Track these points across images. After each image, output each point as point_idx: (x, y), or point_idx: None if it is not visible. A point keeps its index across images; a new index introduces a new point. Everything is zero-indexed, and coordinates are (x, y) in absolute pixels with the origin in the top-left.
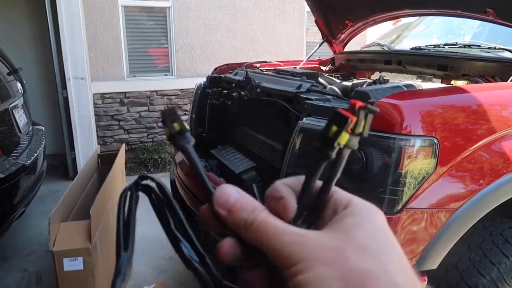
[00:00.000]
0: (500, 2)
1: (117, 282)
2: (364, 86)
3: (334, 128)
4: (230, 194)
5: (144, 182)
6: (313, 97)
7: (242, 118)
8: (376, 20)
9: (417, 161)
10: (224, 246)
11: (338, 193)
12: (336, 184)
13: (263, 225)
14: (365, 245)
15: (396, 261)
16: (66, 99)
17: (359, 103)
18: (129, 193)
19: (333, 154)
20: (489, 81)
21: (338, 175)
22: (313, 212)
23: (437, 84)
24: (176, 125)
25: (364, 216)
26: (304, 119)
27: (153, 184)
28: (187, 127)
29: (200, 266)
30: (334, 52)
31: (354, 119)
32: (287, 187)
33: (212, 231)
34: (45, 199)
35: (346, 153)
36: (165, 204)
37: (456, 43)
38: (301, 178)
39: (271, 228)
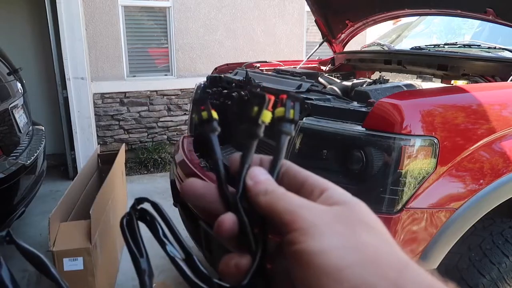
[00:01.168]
0: (500, 2)
1: (145, 279)
2: (364, 86)
3: (256, 108)
4: (262, 172)
5: (140, 206)
6: (313, 97)
7: (242, 118)
8: (376, 20)
9: (417, 161)
10: (225, 220)
11: (313, 178)
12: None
13: (280, 191)
14: (370, 223)
15: (393, 240)
16: (66, 99)
17: (284, 96)
18: (127, 218)
19: (261, 132)
20: (489, 81)
21: (282, 158)
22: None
23: (437, 84)
24: (204, 114)
25: (353, 198)
26: (304, 119)
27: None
28: (215, 116)
29: (184, 264)
30: (334, 52)
31: (272, 97)
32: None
33: (204, 214)
34: (45, 199)
35: (284, 138)
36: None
37: (456, 43)
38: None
39: (285, 194)
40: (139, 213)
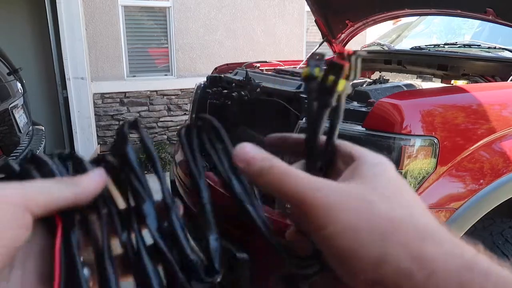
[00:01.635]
0: (500, 2)
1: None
2: (364, 85)
3: (332, 78)
4: (248, 150)
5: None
6: None
7: (242, 118)
8: (376, 20)
9: (417, 160)
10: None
11: (345, 145)
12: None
13: (280, 170)
14: (387, 193)
15: (417, 206)
16: (66, 99)
17: (348, 51)
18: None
19: (334, 102)
20: (489, 81)
21: (341, 119)
22: (326, 161)
23: (437, 84)
24: (317, 70)
25: (379, 166)
26: (304, 118)
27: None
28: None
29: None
30: (334, 52)
31: (348, 65)
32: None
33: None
34: None
35: (343, 97)
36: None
37: (456, 42)
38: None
39: (288, 172)
40: (202, 122)
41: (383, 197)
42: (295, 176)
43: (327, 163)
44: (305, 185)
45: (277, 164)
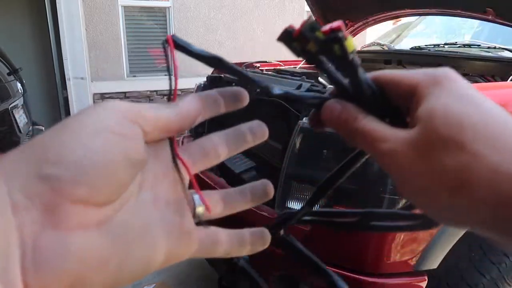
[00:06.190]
0: (500, 2)
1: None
2: None
3: (337, 46)
4: (334, 108)
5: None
6: None
7: (242, 118)
8: (376, 20)
9: None
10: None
11: (396, 80)
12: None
13: (367, 131)
14: (451, 141)
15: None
16: (66, 99)
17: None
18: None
19: (356, 58)
20: (489, 81)
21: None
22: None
23: None
24: (349, 39)
25: (426, 119)
26: (304, 119)
27: None
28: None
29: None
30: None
31: (342, 24)
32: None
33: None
34: None
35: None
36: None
37: (456, 42)
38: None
39: (365, 125)
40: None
41: (447, 146)
42: (371, 129)
43: (390, 109)
44: (376, 138)
45: (361, 125)
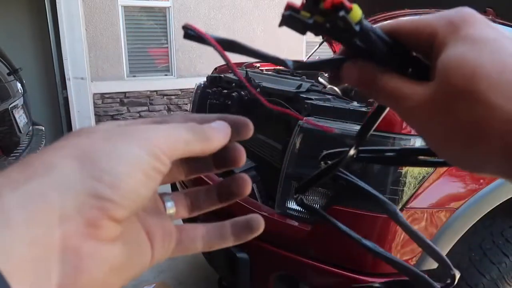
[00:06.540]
0: (500, 2)
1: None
2: None
3: (341, 23)
4: (351, 72)
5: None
6: (313, 97)
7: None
8: (376, 20)
9: None
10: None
11: (418, 26)
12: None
13: (387, 90)
14: (468, 94)
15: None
16: (66, 99)
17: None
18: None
19: (366, 23)
20: None
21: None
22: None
23: None
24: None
25: (442, 75)
26: (304, 118)
27: None
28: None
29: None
30: (334, 52)
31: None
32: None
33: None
34: None
35: (365, 22)
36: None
37: None
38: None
39: (386, 84)
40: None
41: (466, 98)
42: (393, 87)
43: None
44: (396, 97)
45: (381, 83)
